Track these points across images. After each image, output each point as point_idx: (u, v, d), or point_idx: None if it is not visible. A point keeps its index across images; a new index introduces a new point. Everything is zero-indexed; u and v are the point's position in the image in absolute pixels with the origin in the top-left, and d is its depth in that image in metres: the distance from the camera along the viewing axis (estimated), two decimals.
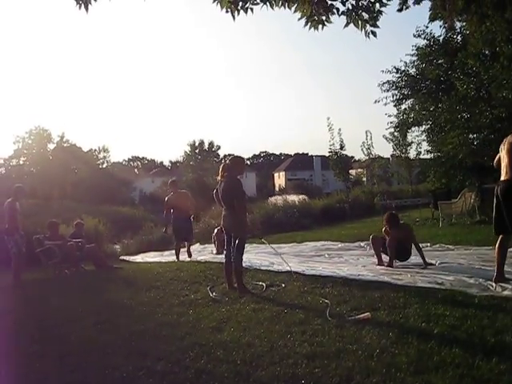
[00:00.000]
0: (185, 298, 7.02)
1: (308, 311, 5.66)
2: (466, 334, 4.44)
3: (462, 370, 3.62)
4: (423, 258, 7.98)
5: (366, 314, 5.23)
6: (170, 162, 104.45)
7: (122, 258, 15.16)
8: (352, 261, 9.19)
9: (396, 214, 8.89)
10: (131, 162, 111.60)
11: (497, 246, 6.52)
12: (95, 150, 62.36)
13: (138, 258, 14.47)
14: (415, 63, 21.90)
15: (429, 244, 10.09)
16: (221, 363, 4.20)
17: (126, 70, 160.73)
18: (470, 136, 18.82)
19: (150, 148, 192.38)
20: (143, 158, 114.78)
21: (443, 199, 16.19)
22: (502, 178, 6.40)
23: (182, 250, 12.39)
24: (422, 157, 27.07)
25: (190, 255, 12.19)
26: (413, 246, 8.24)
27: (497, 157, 6.72)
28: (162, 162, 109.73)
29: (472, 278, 6.63)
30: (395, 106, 23.01)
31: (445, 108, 19.25)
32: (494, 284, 6.21)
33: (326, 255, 10.15)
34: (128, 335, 5.25)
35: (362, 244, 11.57)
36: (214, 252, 12.60)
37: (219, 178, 7.35)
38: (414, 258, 8.36)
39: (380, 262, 8.37)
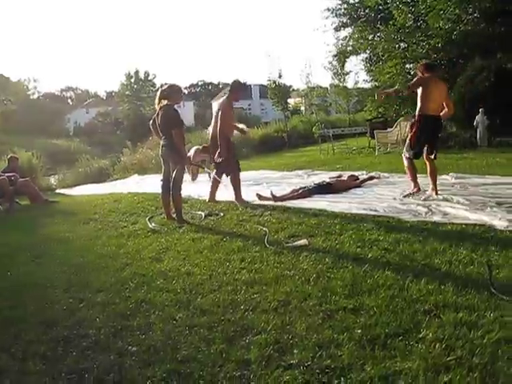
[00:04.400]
0: (123, 229, 6.97)
1: (247, 239, 5.74)
2: (398, 258, 4.62)
3: (394, 291, 3.78)
4: None
5: (303, 241, 5.36)
6: (106, 92, 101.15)
7: (58, 191, 14.85)
8: (290, 189, 9.29)
9: None
10: (64, 93, 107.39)
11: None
12: (25, 80, 59.53)
13: (75, 191, 14.19)
14: None
15: (365, 172, 10.30)
16: (161, 292, 4.23)
17: None
18: (407, 66, 19.07)
19: (84, 78, 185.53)
20: (76, 88, 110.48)
21: (379, 128, 16.46)
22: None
23: None
24: (359, 86, 27.34)
25: None
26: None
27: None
28: (96, 93, 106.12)
29: (405, 205, 6.86)
30: (334, 32, 22.95)
31: (383, 37, 19.33)
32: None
33: (265, 184, 10.23)
34: (67, 268, 5.20)
35: (300, 173, 11.73)
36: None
37: (156, 107, 7.18)
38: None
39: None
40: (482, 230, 5.37)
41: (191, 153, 12.47)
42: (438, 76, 8.36)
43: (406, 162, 7.83)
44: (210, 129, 8.60)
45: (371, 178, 9.38)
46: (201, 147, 12.91)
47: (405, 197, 7.48)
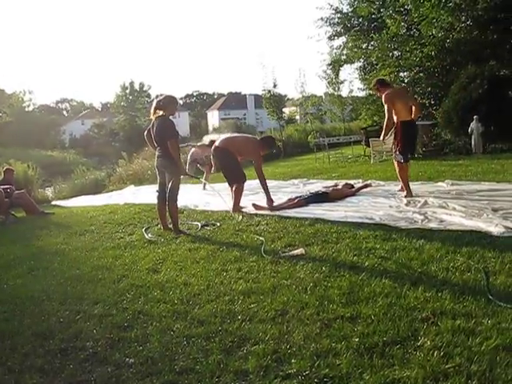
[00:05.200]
0: (120, 240, 6.96)
1: (243, 249, 5.74)
2: (394, 266, 4.62)
3: (391, 299, 3.78)
4: None
5: (299, 250, 5.35)
6: (101, 103, 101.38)
7: (53, 203, 14.80)
8: (286, 198, 9.29)
9: None
10: (59, 104, 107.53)
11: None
12: (20, 92, 59.47)
13: (71, 203, 14.15)
14: (348, 0, 21.85)
15: (360, 180, 10.32)
16: (158, 303, 4.23)
17: (51, 8, 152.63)
18: (401, 74, 19.16)
19: (79, 90, 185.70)
20: (72, 99, 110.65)
21: (374, 136, 16.47)
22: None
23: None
24: (354, 95, 27.43)
25: None
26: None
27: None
28: (91, 104, 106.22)
29: (401, 213, 6.87)
30: (328, 41, 23.08)
31: (376, 46, 19.43)
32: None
33: (261, 193, 10.21)
34: (63, 280, 5.18)
35: (296, 182, 11.74)
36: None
37: (152, 117, 7.19)
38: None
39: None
40: (479, 236, 5.38)
41: (194, 153, 12.89)
42: (392, 86, 9.28)
43: (398, 168, 8.30)
44: (218, 141, 8.78)
45: (366, 186, 9.40)
46: (198, 144, 13.35)
47: (405, 197, 7.98)
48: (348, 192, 8.86)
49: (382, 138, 8.66)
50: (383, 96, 8.24)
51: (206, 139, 10.85)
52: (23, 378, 3.12)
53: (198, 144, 13.38)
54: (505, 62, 16.54)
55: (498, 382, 2.59)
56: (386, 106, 8.22)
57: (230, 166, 8.45)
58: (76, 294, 4.69)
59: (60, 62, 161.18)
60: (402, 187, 8.39)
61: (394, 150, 8.47)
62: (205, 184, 11.87)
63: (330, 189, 9.08)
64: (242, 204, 8.46)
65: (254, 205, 8.34)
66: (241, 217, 7.73)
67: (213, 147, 8.70)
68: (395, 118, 8.13)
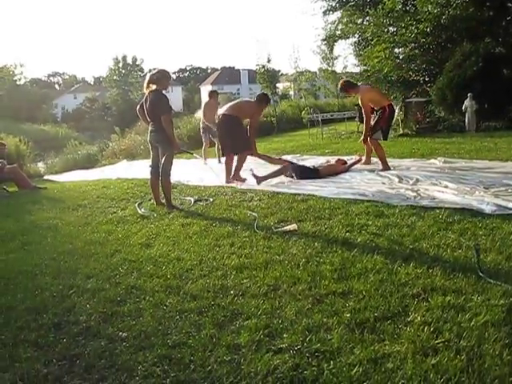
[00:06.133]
0: (113, 215, 6.95)
1: (236, 224, 5.75)
2: (386, 242, 4.65)
3: (382, 275, 3.82)
4: None
5: (292, 226, 5.37)
6: (93, 77, 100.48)
7: (46, 177, 14.75)
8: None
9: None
10: (51, 78, 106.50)
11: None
12: (11, 66, 58.67)
13: (63, 178, 14.10)
14: None
15: (353, 157, 10.33)
16: (151, 278, 4.24)
17: None
18: (396, 50, 19.08)
19: (71, 63, 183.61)
20: (64, 73, 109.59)
21: None
22: None
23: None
24: (348, 70, 27.29)
25: None
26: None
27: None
28: (83, 78, 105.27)
29: (393, 189, 6.89)
30: (323, 16, 22.89)
31: (372, 21, 19.29)
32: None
33: (252, 167, 10.20)
34: (56, 255, 5.17)
35: (289, 157, 11.70)
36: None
37: (145, 91, 7.13)
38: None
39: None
40: (470, 214, 5.41)
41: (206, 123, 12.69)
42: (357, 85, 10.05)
43: (375, 147, 9.08)
44: (223, 109, 9.20)
45: (359, 161, 9.43)
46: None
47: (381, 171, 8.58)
48: (341, 168, 8.87)
49: (363, 138, 9.38)
50: (361, 98, 9.09)
51: (199, 114, 10.89)
52: (17, 351, 3.13)
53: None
54: (500, 40, 16.52)
55: (485, 357, 2.63)
56: (364, 109, 9.01)
57: (239, 133, 8.81)
58: (69, 269, 4.70)
59: (52, 35, 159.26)
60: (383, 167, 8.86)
61: (372, 131, 9.07)
62: (205, 159, 11.92)
63: (322, 166, 9.09)
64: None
65: (253, 175, 8.50)
66: (240, 184, 8.24)
67: (220, 115, 9.08)
68: (380, 103, 9.01)
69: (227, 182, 8.80)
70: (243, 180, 8.79)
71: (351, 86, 9.52)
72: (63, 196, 9.41)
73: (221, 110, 9.27)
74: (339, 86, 10.00)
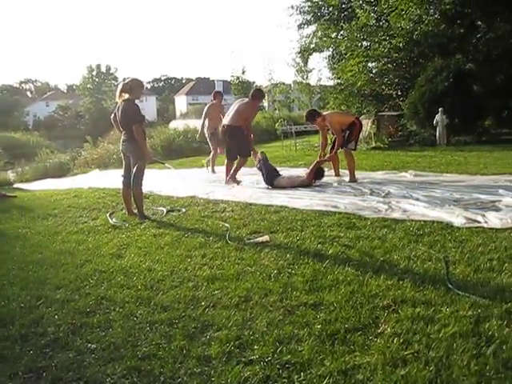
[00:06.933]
0: (83, 225, 6.86)
1: (208, 235, 5.73)
2: (358, 254, 4.69)
3: (353, 286, 3.84)
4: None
5: (264, 237, 5.38)
6: (66, 85, 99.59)
7: (16, 186, 14.51)
8: (252, 185, 9.33)
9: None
10: (23, 85, 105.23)
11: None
12: None
13: (34, 186, 13.89)
14: None
15: (326, 169, 10.38)
16: (121, 289, 4.20)
17: None
18: (369, 64, 19.32)
19: (44, 70, 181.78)
20: (36, 80, 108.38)
21: None
22: None
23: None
24: (322, 83, 27.53)
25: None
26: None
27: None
28: (56, 85, 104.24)
29: (365, 202, 6.95)
30: (298, 29, 23.12)
31: (346, 36, 19.53)
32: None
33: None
34: (25, 265, 5.07)
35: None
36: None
37: (117, 100, 7.09)
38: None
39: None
40: (440, 226, 5.49)
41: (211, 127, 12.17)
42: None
43: (349, 158, 9.27)
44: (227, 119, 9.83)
45: (319, 163, 9.38)
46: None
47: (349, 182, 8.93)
48: (298, 181, 8.91)
49: (332, 154, 9.58)
50: (330, 124, 9.40)
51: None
52: None
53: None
54: (470, 57, 16.85)
55: (454, 367, 2.66)
56: (335, 131, 9.35)
57: (243, 141, 9.59)
58: (38, 279, 4.62)
59: (25, 41, 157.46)
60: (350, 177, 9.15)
61: (345, 143, 9.29)
62: (213, 167, 11.92)
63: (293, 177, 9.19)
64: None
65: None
66: (235, 185, 9.29)
67: (224, 126, 9.82)
68: (347, 121, 9.47)
69: (226, 182, 9.71)
70: (238, 182, 9.62)
71: (317, 115, 9.72)
72: (33, 205, 9.26)
73: (225, 121, 9.92)
74: (305, 116, 10.31)
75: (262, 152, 9.61)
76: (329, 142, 10.36)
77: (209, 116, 12.12)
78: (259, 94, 10.15)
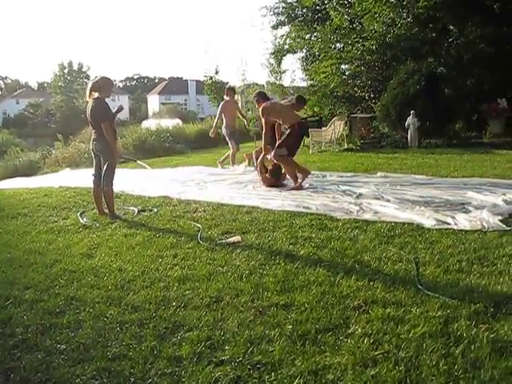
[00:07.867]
0: (54, 224, 6.77)
1: (180, 235, 5.71)
2: (329, 255, 4.71)
3: (325, 287, 3.86)
4: None
5: (236, 237, 5.38)
6: (37, 82, 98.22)
7: None
8: (225, 185, 9.30)
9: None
10: None
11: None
12: None
13: (3, 185, 13.65)
14: None
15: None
16: (92, 289, 4.16)
17: None
18: (342, 66, 19.41)
19: (14, 67, 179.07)
20: (6, 77, 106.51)
21: (315, 127, 16.65)
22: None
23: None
24: (295, 84, 27.62)
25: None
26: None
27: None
28: (27, 83, 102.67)
29: (337, 203, 6.99)
30: (272, 30, 23.16)
31: (319, 37, 19.62)
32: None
33: (200, 181, 10.18)
34: None
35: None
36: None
37: (87, 99, 7.02)
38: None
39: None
40: (411, 228, 5.55)
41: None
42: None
43: (283, 162, 8.55)
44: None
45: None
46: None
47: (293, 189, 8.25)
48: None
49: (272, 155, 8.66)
50: (260, 111, 8.72)
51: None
52: None
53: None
54: (442, 60, 17.07)
55: (423, 367, 2.69)
56: (262, 122, 8.59)
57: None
58: (6, 279, 4.55)
59: None
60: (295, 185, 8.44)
61: (278, 147, 8.54)
62: (233, 164, 11.81)
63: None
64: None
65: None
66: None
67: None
68: (287, 121, 8.60)
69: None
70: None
71: (260, 98, 9.07)
72: (2, 204, 9.10)
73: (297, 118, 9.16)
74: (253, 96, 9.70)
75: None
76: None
77: (225, 114, 11.96)
78: (304, 99, 10.06)
